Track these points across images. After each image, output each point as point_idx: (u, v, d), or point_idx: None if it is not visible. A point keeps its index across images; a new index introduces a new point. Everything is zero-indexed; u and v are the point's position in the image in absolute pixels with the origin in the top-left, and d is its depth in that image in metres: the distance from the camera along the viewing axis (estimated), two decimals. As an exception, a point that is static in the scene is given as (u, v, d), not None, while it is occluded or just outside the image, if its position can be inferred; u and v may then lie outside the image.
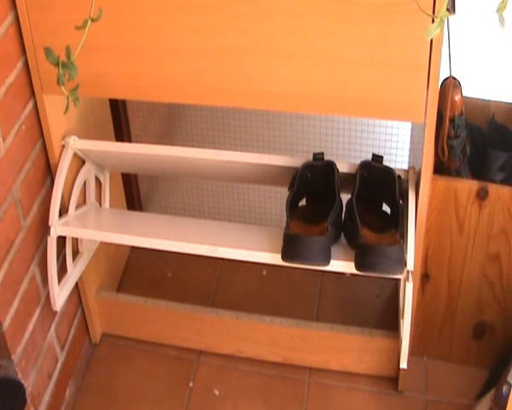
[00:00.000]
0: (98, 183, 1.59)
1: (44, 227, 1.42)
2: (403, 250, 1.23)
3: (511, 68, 1.78)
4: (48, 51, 0.93)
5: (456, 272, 1.48)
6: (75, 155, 1.45)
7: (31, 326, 1.41)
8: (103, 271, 1.71)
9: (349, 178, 1.35)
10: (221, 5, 1.17)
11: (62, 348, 1.57)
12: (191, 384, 1.63)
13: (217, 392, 1.62)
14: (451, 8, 1.17)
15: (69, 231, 1.42)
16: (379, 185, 1.35)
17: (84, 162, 1.50)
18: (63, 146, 1.42)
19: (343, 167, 1.36)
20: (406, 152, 1.74)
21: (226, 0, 1.16)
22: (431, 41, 1.12)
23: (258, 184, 1.74)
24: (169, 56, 1.24)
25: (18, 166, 1.33)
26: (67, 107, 0.96)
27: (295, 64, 1.20)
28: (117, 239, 1.42)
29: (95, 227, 1.52)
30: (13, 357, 1.35)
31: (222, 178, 1.68)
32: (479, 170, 1.44)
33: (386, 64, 1.16)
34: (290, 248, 1.24)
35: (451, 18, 0.99)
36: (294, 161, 1.37)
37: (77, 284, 1.58)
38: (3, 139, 1.26)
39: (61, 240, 1.45)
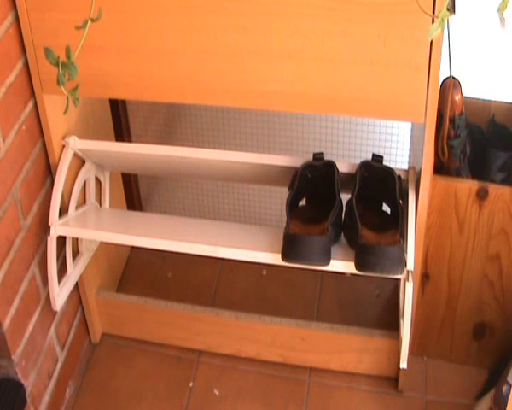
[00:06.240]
0: (98, 183, 1.59)
1: (44, 227, 1.42)
2: (403, 250, 1.23)
3: (511, 68, 1.78)
4: (48, 51, 0.93)
5: (456, 272, 1.48)
6: (75, 155, 1.45)
7: (31, 326, 1.41)
8: (103, 271, 1.71)
9: (349, 178, 1.35)
10: (221, 5, 1.17)
11: (62, 348, 1.58)
12: (191, 384, 1.63)
13: (217, 392, 1.62)
14: (451, 8, 1.17)
15: (69, 231, 1.42)
16: (379, 185, 1.35)
17: (84, 162, 1.50)
18: (63, 146, 1.42)
19: (343, 167, 1.36)
20: (406, 152, 1.74)
21: (227, 0, 1.16)
22: (431, 41, 1.12)
23: (258, 184, 1.73)
24: (169, 56, 1.24)
25: (18, 166, 1.33)
26: (67, 107, 0.96)
27: (295, 64, 1.20)
28: (117, 239, 1.42)
29: (95, 227, 1.52)
30: (13, 357, 1.35)
31: (222, 178, 1.68)
32: (479, 170, 1.44)
33: (386, 64, 1.16)
34: (290, 248, 1.24)
35: (451, 18, 0.99)
36: (294, 160, 1.37)
37: (77, 284, 1.58)
38: (3, 139, 1.26)
39: (61, 240, 1.45)
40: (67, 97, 0.95)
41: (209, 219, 1.89)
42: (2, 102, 1.25)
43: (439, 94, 1.22)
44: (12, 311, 1.33)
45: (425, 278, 1.50)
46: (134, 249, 1.91)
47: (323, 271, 1.30)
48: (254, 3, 1.16)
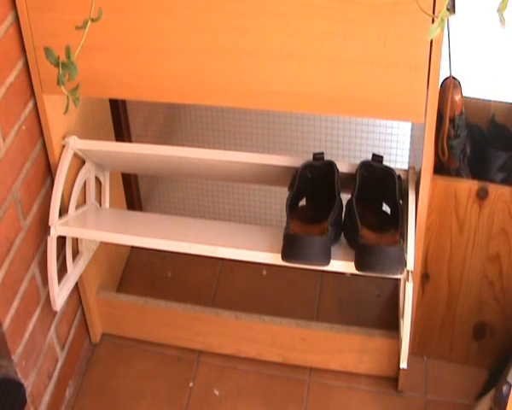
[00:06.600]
0: (98, 183, 1.59)
1: (44, 227, 1.42)
2: (403, 250, 1.23)
3: (511, 68, 1.78)
4: (48, 51, 0.93)
5: (456, 272, 1.48)
6: (75, 155, 1.45)
7: (31, 326, 1.41)
8: (103, 271, 1.71)
9: (349, 178, 1.35)
10: (221, 5, 1.17)
11: (62, 348, 1.58)
12: (191, 384, 1.63)
13: (217, 392, 1.62)
14: (451, 8, 1.17)
15: (69, 231, 1.42)
16: (379, 185, 1.35)
17: (84, 162, 1.50)
18: (63, 146, 1.42)
19: (343, 167, 1.36)
20: (406, 152, 1.74)
21: (226, 0, 1.16)
22: (431, 41, 1.12)
23: (258, 184, 1.73)
24: (169, 56, 1.24)
25: (18, 166, 1.33)
26: (67, 107, 0.96)
27: (295, 64, 1.20)
28: (117, 239, 1.42)
29: (95, 227, 1.52)
30: (13, 357, 1.35)
31: (222, 178, 1.68)
32: (479, 170, 1.44)
33: (386, 64, 1.16)
34: (290, 248, 1.24)
35: (451, 18, 0.99)
36: (294, 160, 1.37)
37: (77, 284, 1.58)
38: (3, 139, 1.26)
39: (61, 240, 1.45)
40: (67, 97, 0.95)
41: (209, 219, 1.89)
42: (2, 102, 1.25)
43: (439, 94, 1.22)
44: (12, 311, 1.33)
45: (425, 278, 1.50)
46: (134, 249, 1.91)
47: (323, 271, 1.30)
48: (254, 3, 1.16)
